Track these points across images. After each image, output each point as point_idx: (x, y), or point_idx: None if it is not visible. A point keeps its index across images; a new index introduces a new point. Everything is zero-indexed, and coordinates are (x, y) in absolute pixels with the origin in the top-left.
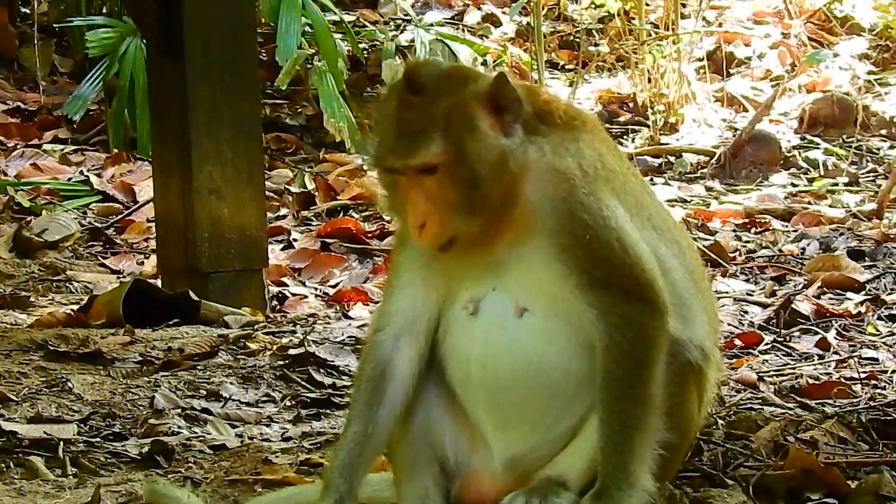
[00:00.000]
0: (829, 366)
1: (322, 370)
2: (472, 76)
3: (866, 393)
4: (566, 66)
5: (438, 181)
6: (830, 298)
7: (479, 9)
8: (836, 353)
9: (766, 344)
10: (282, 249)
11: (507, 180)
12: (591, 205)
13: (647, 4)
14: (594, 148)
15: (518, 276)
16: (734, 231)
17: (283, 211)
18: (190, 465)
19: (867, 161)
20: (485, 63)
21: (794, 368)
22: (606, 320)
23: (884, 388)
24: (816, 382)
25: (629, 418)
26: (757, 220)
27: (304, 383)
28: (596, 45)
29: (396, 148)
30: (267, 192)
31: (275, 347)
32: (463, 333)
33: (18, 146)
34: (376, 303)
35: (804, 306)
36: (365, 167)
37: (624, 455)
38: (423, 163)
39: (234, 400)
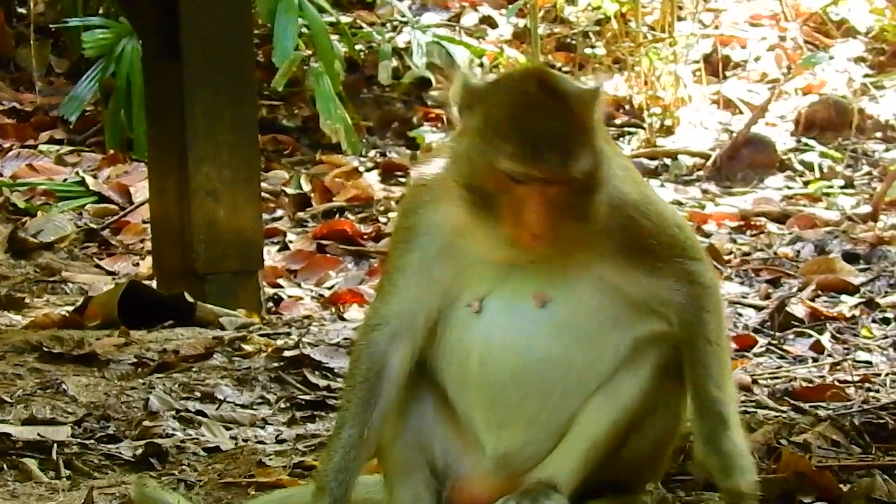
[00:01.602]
0: (822, 369)
1: (317, 372)
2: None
3: (860, 396)
4: (563, 69)
5: (566, 190)
6: (825, 301)
7: (476, 10)
8: (830, 356)
9: (761, 347)
10: (277, 251)
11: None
12: (650, 206)
13: (644, 7)
14: (623, 156)
15: (546, 269)
16: (729, 233)
17: (279, 212)
18: (184, 467)
19: (862, 164)
20: (481, 65)
21: (787, 371)
22: (684, 283)
23: (877, 392)
24: (810, 385)
25: (725, 365)
26: (752, 223)
27: (298, 385)
28: (592, 47)
29: (549, 158)
30: (263, 194)
31: (270, 349)
32: (464, 331)
33: (14, 147)
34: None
35: (798, 309)
36: (465, 172)
37: (722, 390)
38: (579, 174)
39: (228, 402)
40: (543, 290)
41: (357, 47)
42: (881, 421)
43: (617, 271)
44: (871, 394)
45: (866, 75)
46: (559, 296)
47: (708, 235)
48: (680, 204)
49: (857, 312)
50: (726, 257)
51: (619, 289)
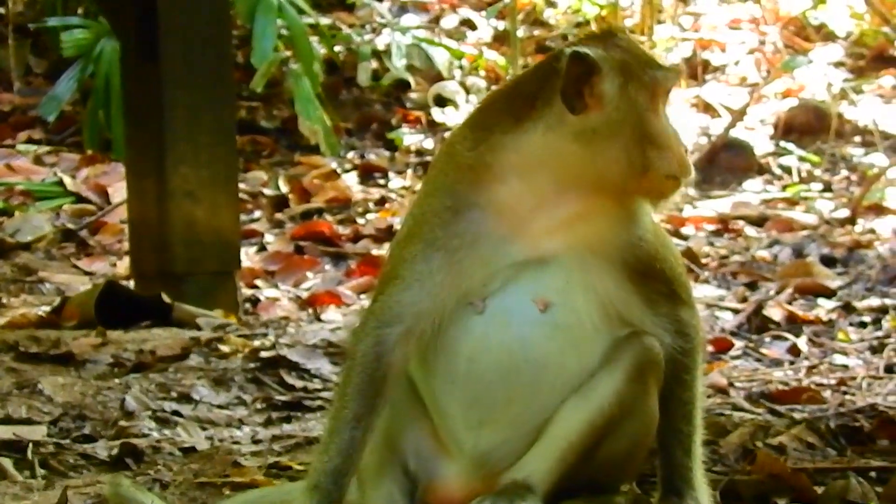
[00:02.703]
0: (799, 372)
1: (294, 373)
2: None
3: (836, 399)
4: None
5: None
6: (802, 305)
7: (456, 13)
8: (806, 359)
9: (737, 349)
10: (255, 252)
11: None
12: (661, 239)
13: (623, 10)
14: None
15: (551, 276)
16: (707, 237)
17: (257, 213)
18: (159, 467)
19: (841, 168)
20: (461, 67)
21: (764, 374)
22: (674, 327)
23: (853, 395)
24: (786, 388)
25: (693, 418)
26: (730, 226)
27: (275, 386)
28: None
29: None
30: (241, 195)
31: (247, 350)
32: (460, 329)
33: None
34: (349, 305)
35: (775, 312)
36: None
37: (690, 456)
38: None
39: (204, 402)
40: (546, 295)
41: (336, 49)
42: (857, 424)
43: (613, 286)
44: (847, 397)
45: (846, 80)
46: (559, 301)
47: (686, 238)
48: None
49: (833, 316)
50: (704, 260)
51: (612, 304)
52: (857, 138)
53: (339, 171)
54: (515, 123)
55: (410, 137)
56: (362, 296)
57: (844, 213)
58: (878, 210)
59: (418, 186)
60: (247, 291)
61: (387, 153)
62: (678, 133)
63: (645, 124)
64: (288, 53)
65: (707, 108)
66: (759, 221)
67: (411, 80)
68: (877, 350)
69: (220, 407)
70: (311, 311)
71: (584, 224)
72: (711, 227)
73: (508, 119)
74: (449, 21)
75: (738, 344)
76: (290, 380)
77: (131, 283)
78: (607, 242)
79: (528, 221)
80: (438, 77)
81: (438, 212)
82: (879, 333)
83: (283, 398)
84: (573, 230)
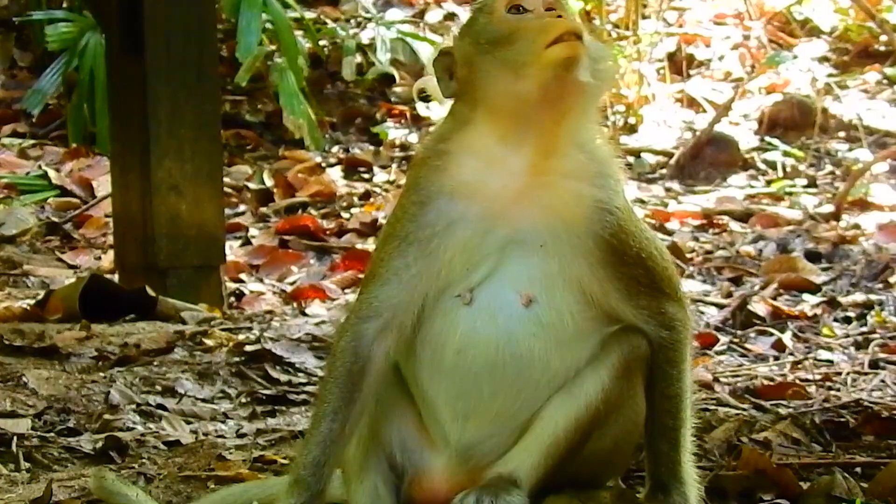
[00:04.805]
0: (784, 367)
1: (278, 367)
2: None
3: (820, 395)
4: None
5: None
6: (787, 300)
7: (441, 7)
8: (791, 354)
9: (722, 345)
10: (240, 246)
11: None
12: (635, 218)
13: (608, 5)
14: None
15: (535, 266)
16: (692, 232)
17: (242, 207)
18: (144, 460)
19: (825, 163)
20: None
21: (749, 369)
22: (657, 320)
23: (838, 391)
24: (771, 383)
25: (679, 412)
26: (715, 221)
27: (259, 380)
28: None
29: None
30: (225, 189)
31: (231, 344)
32: (448, 320)
33: None
34: (333, 300)
35: (760, 307)
36: None
37: (677, 450)
38: None
39: (189, 396)
40: (529, 290)
41: (321, 43)
42: (841, 419)
43: (594, 280)
44: (832, 392)
45: (830, 75)
46: (543, 297)
47: (670, 233)
48: (643, 202)
49: (818, 311)
50: (688, 255)
51: (596, 300)
52: (842, 133)
53: (323, 165)
54: (452, 111)
55: (395, 132)
56: (347, 290)
57: (829, 208)
58: (863, 205)
59: (402, 181)
60: (231, 285)
61: (371, 147)
62: (536, 9)
63: (489, 41)
64: (273, 47)
65: (692, 103)
66: (743, 217)
67: (396, 74)
68: (861, 346)
69: (204, 401)
70: (295, 305)
71: (550, 189)
72: (696, 223)
73: (452, 109)
74: (434, 15)
75: (723, 339)
76: (275, 374)
77: (115, 277)
78: (577, 206)
79: (496, 197)
80: (423, 72)
81: (406, 207)
82: (864, 329)
83: (267, 392)
84: (540, 198)
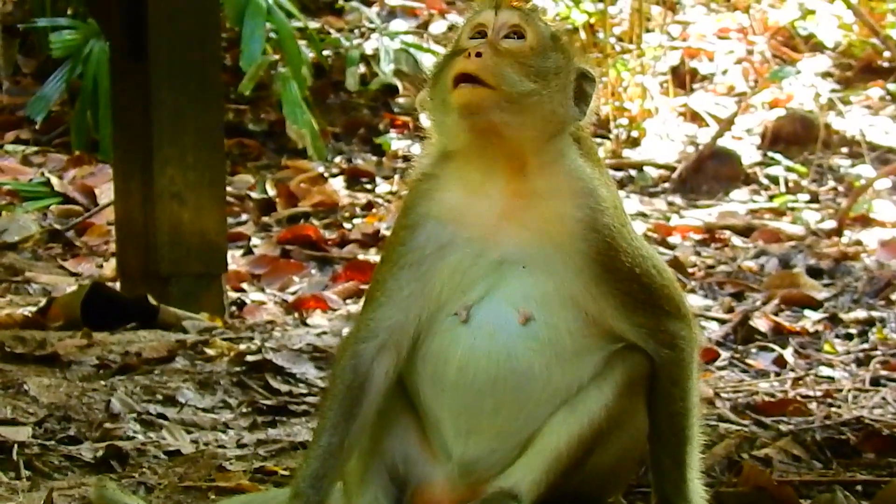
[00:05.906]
0: (785, 383)
1: (279, 377)
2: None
3: (822, 411)
4: None
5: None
6: (788, 316)
7: (444, 18)
8: (792, 370)
9: (723, 360)
10: (241, 255)
11: (551, 122)
12: (627, 235)
13: (612, 18)
14: (609, 177)
15: (531, 284)
16: (694, 246)
17: (244, 216)
18: (144, 470)
19: (828, 179)
20: None
21: (750, 385)
22: (657, 338)
23: (839, 407)
24: (772, 400)
25: (683, 429)
26: (717, 236)
27: (260, 390)
28: None
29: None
30: (228, 198)
31: (232, 353)
32: (447, 338)
33: None
34: (335, 310)
35: (762, 323)
36: None
37: (681, 467)
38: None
39: (190, 405)
40: (526, 308)
41: (324, 53)
42: (842, 437)
43: (589, 297)
44: (833, 409)
45: (833, 90)
46: (540, 315)
47: (672, 248)
48: (645, 216)
49: (820, 327)
50: (690, 270)
51: (593, 317)
52: (845, 149)
53: (326, 175)
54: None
55: (398, 142)
56: (348, 301)
57: (831, 224)
58: (865, 221)
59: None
60: (233, 294)
61: (374, 158)
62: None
63: (431, 78)
64: (276, 57)
65: (694, 118)
66: (745, 231)
67: (399, 85)
68: (863, 362)
69: (205, 410)
70: (296, 315)
71: (531, 211)
72: (698, 237)
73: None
74: (437, 26)
75: (724, 354)
76: (276, 384)
77: (117, 285)
78: (560, 224)
79: (482, 221)
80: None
81: (398, 232)
82: (866, 346)
83: (268, 402)
84: (524, 219)
